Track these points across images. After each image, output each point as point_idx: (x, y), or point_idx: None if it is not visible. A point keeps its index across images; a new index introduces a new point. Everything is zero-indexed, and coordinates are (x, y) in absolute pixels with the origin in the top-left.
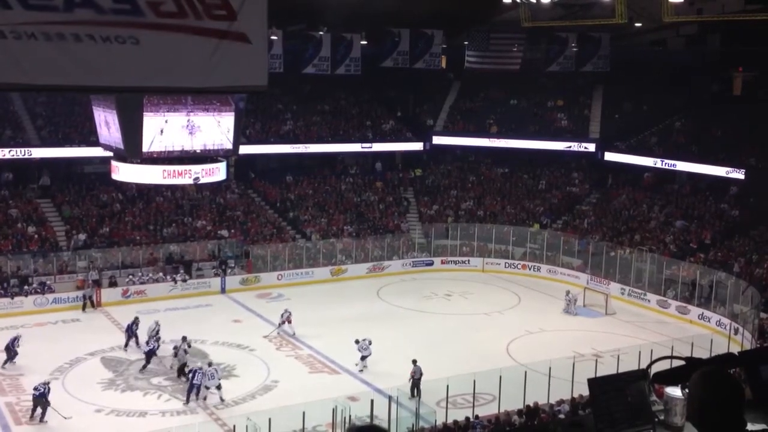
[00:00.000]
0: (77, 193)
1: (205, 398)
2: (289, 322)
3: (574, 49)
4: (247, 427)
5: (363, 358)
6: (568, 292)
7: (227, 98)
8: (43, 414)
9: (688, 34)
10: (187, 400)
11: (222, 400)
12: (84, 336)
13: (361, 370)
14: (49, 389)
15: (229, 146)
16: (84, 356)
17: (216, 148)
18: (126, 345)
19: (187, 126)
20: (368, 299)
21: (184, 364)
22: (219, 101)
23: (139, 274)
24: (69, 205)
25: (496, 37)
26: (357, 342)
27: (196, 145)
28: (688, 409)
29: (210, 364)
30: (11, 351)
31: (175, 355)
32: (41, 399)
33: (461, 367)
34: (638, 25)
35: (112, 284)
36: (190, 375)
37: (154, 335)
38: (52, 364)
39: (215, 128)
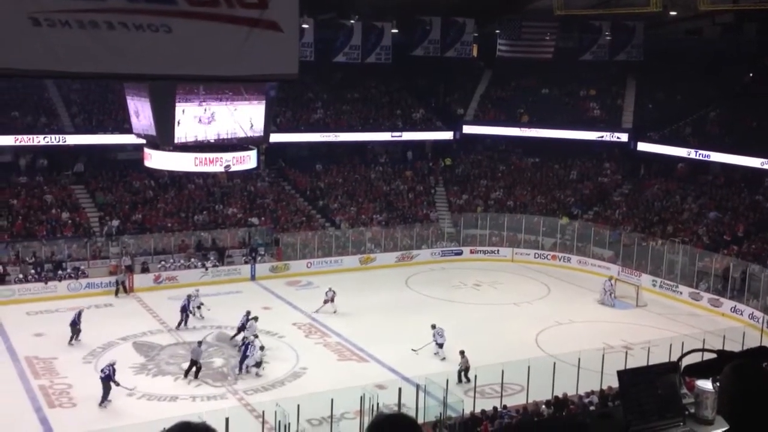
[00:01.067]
0: (110, 179)
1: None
2: (332, 300)
3: (608, 38)
4: (275, 413)
5: (440, 345)
6: (610, 279)
7: (257, 86)
8: (105, 396)
9: (724, 23)
10: (240, 370)
11: (257, 375)
12: (116, 321)
13: (443, 359)
14: (114, 370)
15: (250, 134)
16: (116, 341)
17: (247, 136)
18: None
19: (208, 116)
20: (397, 288)
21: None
22: (246, 89)
23: (171, 260)
24: (102, 191)
25: (529, 25)
26: (433, 327)
27: (222, 132)
28: (720, 403)
29: (256, 337)
30: (76, 326)
31: (240, 330)
32: (107, 381)
33: (489, 357)
34: (673, 13)
35: (144, 270)
36: (243, 347)
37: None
38: (84, 349)
39: (244, 117)
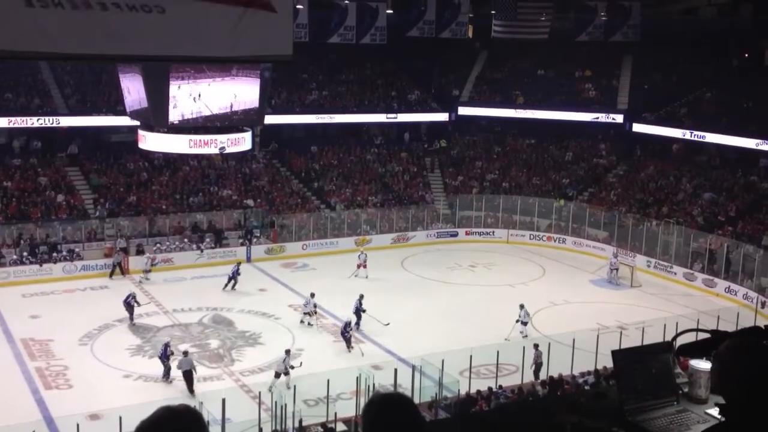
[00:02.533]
0: (105, 161)
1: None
2: (365, 265)
3: (604, 19)
4: (272, 394)
5: (524, 323)
6: (615, 255)
7: (252, 65)
8: (167, 373)
9: (720, 3)
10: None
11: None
12: (112, 303)
13: (525, 336)
14: (171, 351)
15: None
16: (112, 323)
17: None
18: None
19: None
20: (392, 270)
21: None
22: (240, 67)
23: (167, 242)
24: (97, 173)
25: (524, 5)
26: (522, 307)
27: (216, 110)
28: (714, 381)
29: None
30: (131, 307)
31: (309, 314)
32: (165, 360)
33: (485, 338)
34: None
35: (140, 252)
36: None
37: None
38: (80, 331)
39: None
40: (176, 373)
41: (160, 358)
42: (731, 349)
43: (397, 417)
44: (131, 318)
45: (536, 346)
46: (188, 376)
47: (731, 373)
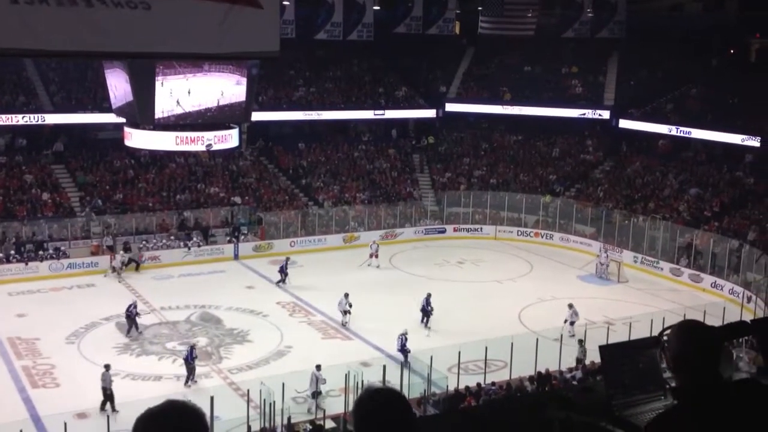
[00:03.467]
0: (91, 159)
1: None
2: (377, 255)
3: (590, 15)
4: (260, 391)
5: (572, 323)
6: (605, 251)
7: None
8: (190, 376)
9: (706, 0)
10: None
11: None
12: (99, 301)
13: (572, 335)
14: (196, 354)
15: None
16: (99, 321)
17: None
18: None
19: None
20: (381, 266)
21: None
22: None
23: (154, 240)
24: (83, 171)
25: (511, 2)
26: (570, 307)
27: (203, 106)
28: (668, 360)
29: (318, 368)
30: (132, 319)
31: (347, 312)
32: (191, 362)
33: (473, 334)
34: None
35: (126, 250)
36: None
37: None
38: (67, 329)
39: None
40: (164, 371)
41: (185, 360)
42: (675, 334)
43: (389, 412)
44: (134, 328)
45: (580, 342)
46: (104, 395)
47: (676, 356)
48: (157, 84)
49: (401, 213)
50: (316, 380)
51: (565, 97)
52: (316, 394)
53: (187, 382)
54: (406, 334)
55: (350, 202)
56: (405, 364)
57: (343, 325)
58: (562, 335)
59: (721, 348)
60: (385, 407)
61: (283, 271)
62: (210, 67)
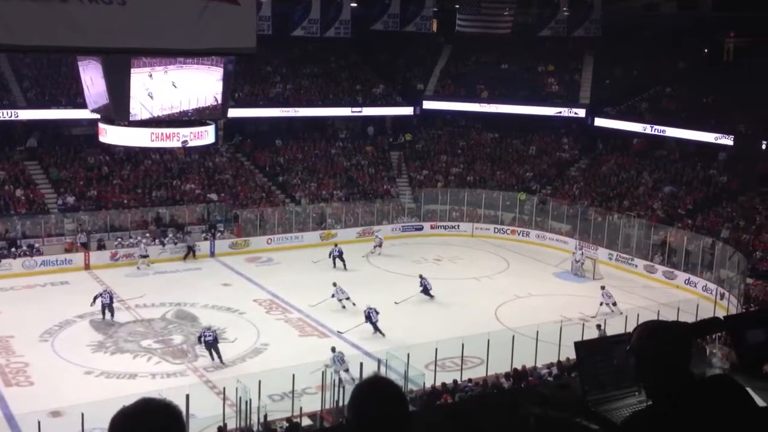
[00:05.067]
0: (65, 155)
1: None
2: (380, 245)
3: (566, 14)
4: (236, 389)
5: (614, 304)
6: (580, 249)
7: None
8: (218, 354)
9: None
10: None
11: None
12: (73, 298)
13: (618, 313)
14: (215, 336)
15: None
16: (73, 318)
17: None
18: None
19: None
20: (358, 264)
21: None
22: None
23: (129, 238)
24: (56, 167)
25: (488, 0)
26: (602, 288)
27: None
28: (636, 361)
29: (333, 350)
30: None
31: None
32: (213, 343)
33: (450, 331)
34: None
35: (101, 247)
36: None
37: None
38: (41, 327)
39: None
40: (139, 369)
41: (207, 342)
42: (645, 334)
43: (388, 401)
44: (109, 315)
45: (598, 326)
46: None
47: (649, 355)
48: (133, 80)
49: (378, 210)
50: (340, 361)
51: (541, 95)
52: (345, 371)
53: (217, 358)
54: (373, 309)
55: (327, 199)
56: (376, 333)
57: (344, 307)
58: (604, 320)
59: (693, 345)
60: (385, 395)
61: (339, 256)
62: (186, 62)
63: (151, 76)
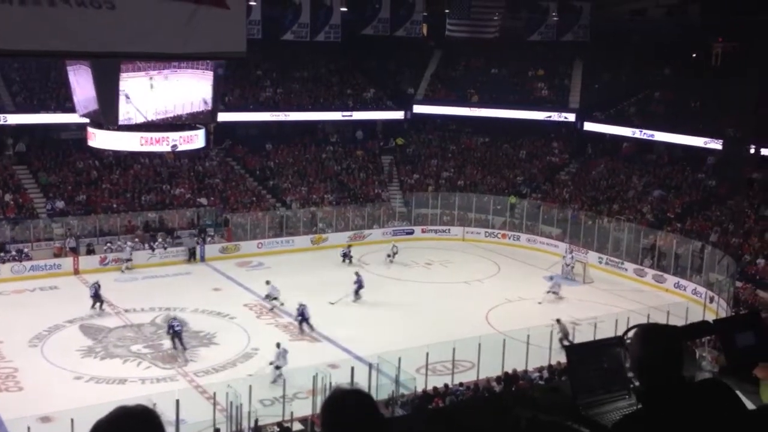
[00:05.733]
0: (54, 159)
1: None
2: (395, 253)
3: (555, 19)
4: (227, 394)
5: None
6: (570, 252)
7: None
8: (182, 344)
9: (669, 4)
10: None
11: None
12: (62, 303)
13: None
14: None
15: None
16: (63, 323)
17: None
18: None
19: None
20: (349, 268)
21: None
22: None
23: (118, 242)
24: (46, 171)
25: (477, 5)
26: (557, 289)
27: (170, 107)
28: (631, 364)
29: (278, 345)
30: (99, 298)
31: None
32: (179, 333)
33: (441, 335)
34: None
35: (90, 252)
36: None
37: None
38: (30, 332)
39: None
40: (129, 375)
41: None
42: (637, 337)
43: (358, 412)
44: (99, 305)
45: (558, 320)
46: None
47: (640, 359)
48: (123, 84)
49: (369, 214)
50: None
51: (531, 99)
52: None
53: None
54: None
55: (318, 203)
56: (301, 332)
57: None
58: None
59: (684, 349)
60: (354, 407)
61: (347, 255)
62: (181, 66)
63: (151, 81)
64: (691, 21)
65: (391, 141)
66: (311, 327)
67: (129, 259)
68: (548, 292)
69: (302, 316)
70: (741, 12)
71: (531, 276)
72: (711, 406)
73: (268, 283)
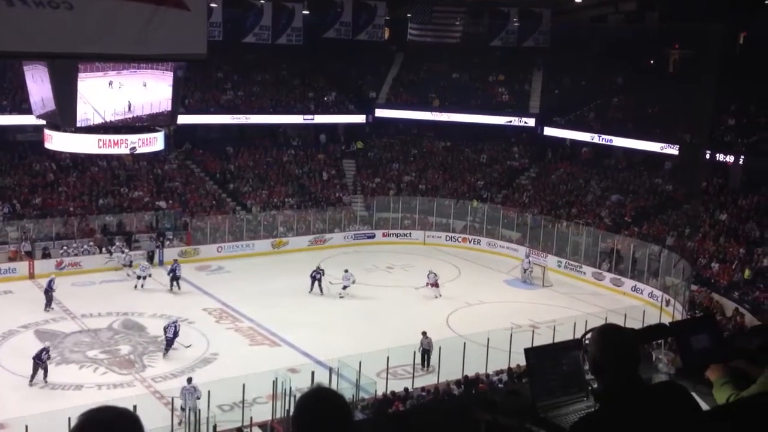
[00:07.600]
0: (9, 162)
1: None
2: (436, 285)
3: (516, 24)
4: (185, 399)
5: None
6: (528, 257)
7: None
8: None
9: (627, 11)
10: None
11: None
12: (17, 308)
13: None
14: (48, 356)
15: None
16: (17, 329)
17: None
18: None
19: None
20: (310, 272)
21: None
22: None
23: (74, 245)
24: (0, 174)
25: (439, 9)
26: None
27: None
28: (589, 365)
29: (190, 381)
30: (48, 294)
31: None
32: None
33: (401, 339)
34: (578, 0)
35: (46, 256)
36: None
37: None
38: None
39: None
40: (85, 380)
41: (34, 359)
42: (594, 339)
43: (332, 410)
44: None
45: (424, 333)
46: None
47: (596, 360)
48: (80, 86)
49: (330, 218)
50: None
51: (492, 104)
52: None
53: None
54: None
55: (279, 207)
56: (165, 352)
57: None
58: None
59: (640, 351)
60: (328, 405)
61: (319, 280)
62: (140, 67)
63: (110, 82)
64: (648, 28)
65: (353, 144)
66: (179, 286)
67: (131, 263)
68: (428, 285)
69: (173, 273)
70: (697, 19)
71: (491, 279)
72: (666, 407)
73: (346, 271)
